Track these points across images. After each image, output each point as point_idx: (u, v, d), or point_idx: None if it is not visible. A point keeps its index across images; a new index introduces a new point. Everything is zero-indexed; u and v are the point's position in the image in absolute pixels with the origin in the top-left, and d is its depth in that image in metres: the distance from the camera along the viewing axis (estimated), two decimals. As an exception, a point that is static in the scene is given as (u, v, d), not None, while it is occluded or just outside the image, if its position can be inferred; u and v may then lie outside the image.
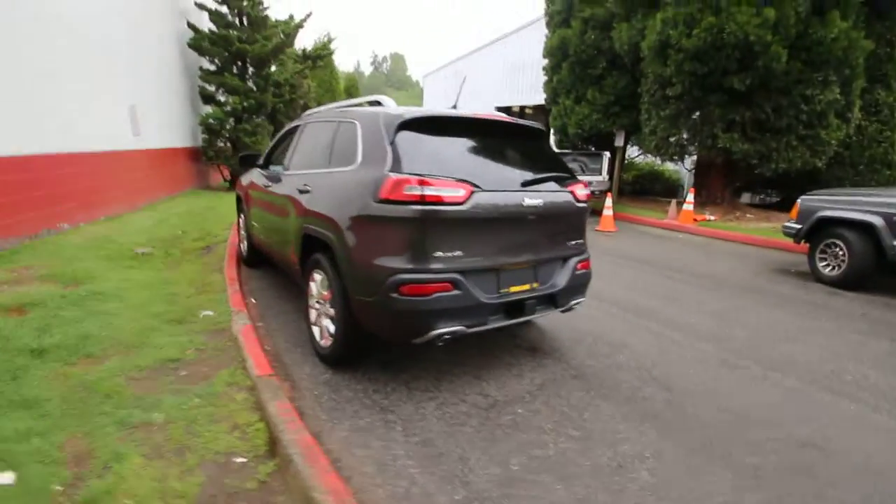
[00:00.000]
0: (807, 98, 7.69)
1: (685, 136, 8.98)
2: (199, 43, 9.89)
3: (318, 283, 3.00)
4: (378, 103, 3.11)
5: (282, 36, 11.04)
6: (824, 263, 5.38)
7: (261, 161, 4.59)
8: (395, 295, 2.37)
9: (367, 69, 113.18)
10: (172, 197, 9.47)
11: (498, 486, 1.98)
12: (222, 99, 10.77)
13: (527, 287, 2.76)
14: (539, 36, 21.81)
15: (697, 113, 8.78)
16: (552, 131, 12.86)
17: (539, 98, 23.02)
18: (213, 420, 2.27)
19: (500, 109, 25.89)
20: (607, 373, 3.08)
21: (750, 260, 6.71)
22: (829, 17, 7.12)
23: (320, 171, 3.08)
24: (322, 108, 3.89)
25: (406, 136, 2.56)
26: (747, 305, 4.63)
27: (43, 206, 5.46)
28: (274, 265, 4.94)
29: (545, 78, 12.41)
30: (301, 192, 3.17)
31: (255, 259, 5.07)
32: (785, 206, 11.44)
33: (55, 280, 4.11)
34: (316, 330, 3.11)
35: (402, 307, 2.38)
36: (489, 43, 25.32)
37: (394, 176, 2.37)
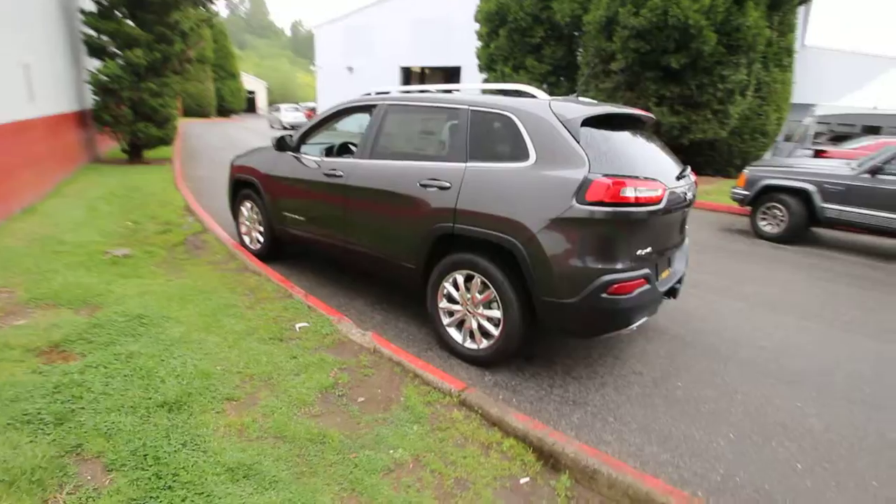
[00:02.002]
0: (723, 77, 8.99)
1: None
2: (81, -24, 7.74)
3: (461, 285, 2.87)
4: (520, 93, 2.94)
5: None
6: (765, 223, 6.60)
7: (287, 143, 4.01)
8: (604, 295, 2.42)
9: (221, 11, 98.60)
10: (72, 177, 7.59)
11: (738, 455, 2.26)
12: (115, 51, 8.67)
13: (667, 273, 2.99)
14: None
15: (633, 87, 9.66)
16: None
17: (444, 59, 22.88)
18: (456, 444, 2.14)
19: (404, 70, 25.11)
20: (700, 338, 3.51)
21: (695, 221, 7.87)
22: (746, 6, 8.32)
23: (456, 164, 2.85)
24: (406, 89, 3.48)
25: (585, 134, 2.53)
26: (732, 264, 5.53)
27: (-47, 202, 4.05)
28: (311, 257, 4.52)
29: (479, 43, 12.36)
30: (428, 187, 2.92)
31: (274, 253, 4.51)
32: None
33: (53, 303, 3.21)
34: (454, 332, 3.01)
35: (608, 306, 2.44)
36: (391, -4, 23.96)
37: (603, 178, 2.35)
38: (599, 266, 2.41)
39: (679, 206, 2.81)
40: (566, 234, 2.43)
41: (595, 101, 3.21)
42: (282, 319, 3.26)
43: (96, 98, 8.55)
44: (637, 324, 2.59)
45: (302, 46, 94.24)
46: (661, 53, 8.69)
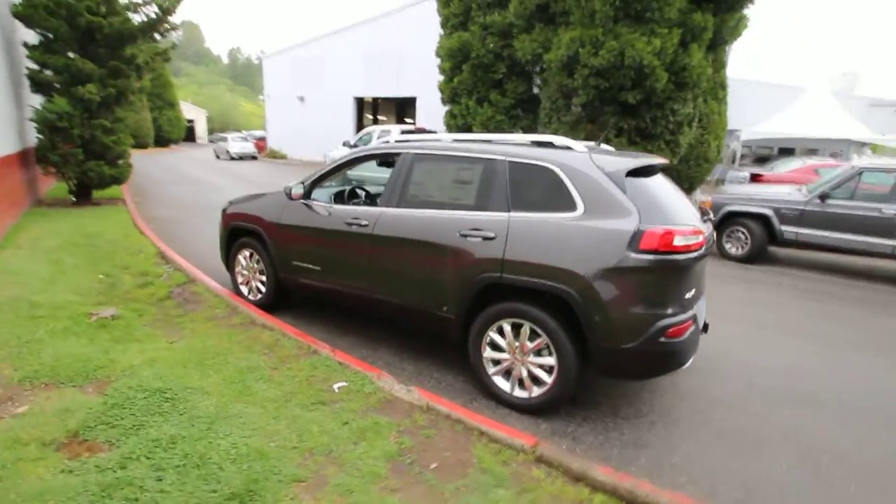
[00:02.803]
0: (674, 111, 9.78)
1: (583, 139, 10.42)
2: (28, 11, 7.13)
3: (508, 334, 2.88)
4: (550, 144, 3.04)
5: (156, 11, 8.71)
6: (730, 245, 7.16)
7: (300, 191, 3.87)
8: (662, 339, 2.51)
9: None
10: (20, 224, 6.85)
11: (800, 487, 2.39)
12: (59, 86, 8.01)
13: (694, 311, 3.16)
14: (399, 26, 21.78)
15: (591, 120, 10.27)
16: (445, 129, 13.26)
17: (398, 90, 23.18)
18: (549, 508, 2.11)
19: (357, 100, 25.16)
20: (716, 366, 3.70)
21: (663, 244, 8.38)
22: (691, 48, 9.17)
23: (499, 214, 2.88)
24: (430, 137, 3.49)
25: (629, 185, 2.67)
26: (713, 285, 5.87)
27: None
28: (321, 304, 4.34)
29: (441, 77, 12.68)
30: (469, 237, 2.93)
31: (278, 302, 4.31)
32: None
33: (52, 382, 2.86)
34: (501, 381, 2.99)
35: (666, 349, 2.54)
36: (342, 28, 24.15)
37: (656, 228, 2.48)
38: (656, 311, 2.52)
39: (710, 250, 3.00)
40: (622, 283, 2.52)
41: (618, 151, 3.39)
42: (315, 380, 3.09)
43: (41, 136, 7.84)
44: (688, 363, 2.71)
45: (241, 74, 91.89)
46: (619, 90, 9.33)
